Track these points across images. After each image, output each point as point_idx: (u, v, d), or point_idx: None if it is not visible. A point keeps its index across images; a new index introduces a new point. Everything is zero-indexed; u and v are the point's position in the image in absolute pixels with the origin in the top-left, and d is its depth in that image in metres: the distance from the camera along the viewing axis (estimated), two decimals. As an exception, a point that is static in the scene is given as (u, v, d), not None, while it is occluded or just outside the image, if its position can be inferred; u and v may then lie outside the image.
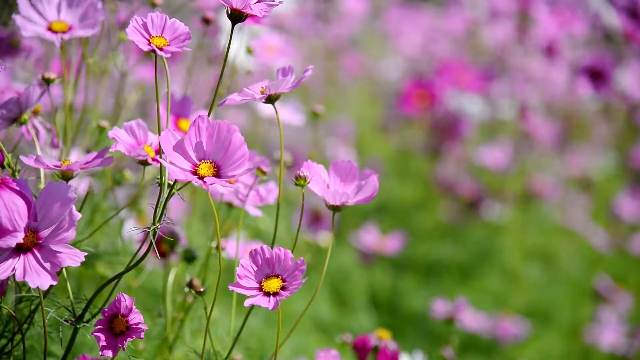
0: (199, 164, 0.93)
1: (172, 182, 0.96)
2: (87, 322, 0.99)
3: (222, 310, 1.61)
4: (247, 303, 0.94)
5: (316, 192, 1.01)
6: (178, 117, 1.24)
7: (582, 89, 2.91)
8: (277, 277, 0.96)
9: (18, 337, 1.01)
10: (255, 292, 0.95)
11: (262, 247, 0.97)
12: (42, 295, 0.94)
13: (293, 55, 1.88)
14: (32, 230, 0.90)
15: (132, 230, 1.42)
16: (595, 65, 2.84)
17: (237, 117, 2.68)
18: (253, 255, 0.97)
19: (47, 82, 1.11)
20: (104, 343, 0.95)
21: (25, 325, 1.02)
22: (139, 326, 0.95)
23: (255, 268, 0.97)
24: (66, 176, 0.99)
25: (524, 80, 3.27)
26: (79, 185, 1.43)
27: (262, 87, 1.00)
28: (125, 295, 0.95)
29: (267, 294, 0.95)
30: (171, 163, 0.92)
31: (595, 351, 2.37)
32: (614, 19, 2.92)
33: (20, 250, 0.89)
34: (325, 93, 3.62)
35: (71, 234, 0.89)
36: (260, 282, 0.96)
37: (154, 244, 0.94)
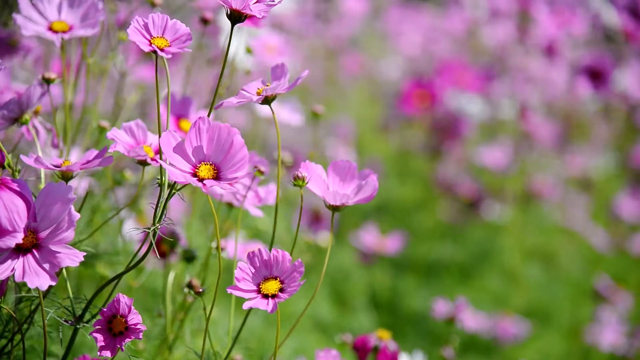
0: (199, 166, 0.93)
1: (172, 183, 0.96)
2: (87, 322, 0.99)
3: (222, 310, 1.61)
4: (246, 306, 0.94)
5: (316, 193, 1.01)
6: (179, 117, 1.24)
7: (582, 89, 2.91)
8: (275, 279, 0.96)
9: (18, 337, 1.01)
10: (253, 295, 0.95)
11: (259, 249, 0.97)
12: (41, 295, 0.94)
13: (293, 55, 1.88)
14: (31, 231, 0.90)
15: (132, 230, 1.42)
16: (595, 65, 2.84)
17: (237, 117, 2.68)
18: (251, 257, 0.97)
19: (47, 82, 1.12)
20: (103, 343, 0.95)
21: (25, 326, 1.02)
22: (138, 326, 0.95)
23: (253, 270, 0.97)
24: (66, 176, 0.99)
25: (524, 80, 3.27)
26: (79, 185, 1.43)
27: (259, 89, 1.00)
28: (124, 295, 0.95)
29: (266, 296, 0.95)
30: (171, 165, 0.92)
31: (595, 351, 2.37)
32: (614, 19, 2.92)
33: (19, 250, 0.89)
34: (325, 93, 3.62)
35: (70, 234, 0.89)
36: (258, 285, 0.96)
37: (153, 245, 0.94)
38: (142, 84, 1.79)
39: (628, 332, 2.34)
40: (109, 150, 0.99)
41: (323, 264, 1.01)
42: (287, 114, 1.70)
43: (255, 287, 0.96)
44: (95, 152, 1.00)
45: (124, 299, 0.95)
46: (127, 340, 0.95)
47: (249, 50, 1.55)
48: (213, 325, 1.34)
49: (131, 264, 0.99)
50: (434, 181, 3.22)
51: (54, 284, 0.87)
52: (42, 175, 1.04)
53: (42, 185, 1.03)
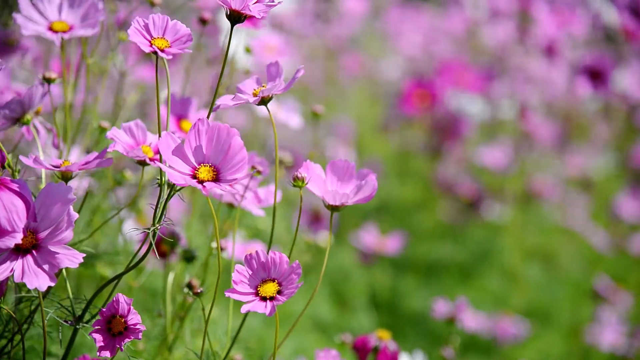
0: (198, 167, 0.93)
1: (171, 183, 0.96)
2: (87, 322, 0.99)
3: (223, 310, 1.61)
4: (244, 310, 0.93)
5: (315, 193, 1.01)
6: (180, 118, 1.24)
7: (582, 89, 2.91)
8: (273, 281, 0.96)
9: (18, 337, 1.01)
10: (251, 297, 0.95)
11: (257, 251, 0.96)
12: (41, 296, 0.94)
13: (293, 55, 1.88)
14: (31, 231, 0.90)
15: (132, 231, 1.42)
16: (595, 65, 2.84)
17: (237, 117, 2.68)
18: (248, 259, 0.96)
19: (48, 81, 1.12)
20: (102, 343, 0.95)
21: (25, 326, 1.02)
22: (137, 327, 0.95)
23: (251, 272, 0.96)
24: (66, 176, 0.99)
25: (524, 80, 3.27)
26: (80, 185, 1.43)
27: (255, 89, 0.99)
28: (123, 295, 0.95)
29: (264, 298, 0.95)
30: (170, 167, 0.91)
31: (595, 351, 2.37)
32: (614, 19, 2.92)
33: (18, 251, 0.89)
34: (325, 93, 3.62)
35: (69, 235, 0.89)
36: (256, 287, 0.96)
37: (153, 245, 0.94)
38: (142, 84, 1.79)
39: (628, 332, 2.34)
40: (108, 150, 0.99)
41: (323, 264, 1.01)
42: (285, 115, 1.69)
43: (253, 290, 0.96)
44: (95, 154, 1.00)
45: (123, 299, 0.95)
46: (127, 340, 0.95)
47: (248, 50, 1.55)
48: (213, 325, 1.34)
49: (131, 265, 0.99)
50: (434, 181, 3.22)
51: (53, 284, 0.87)
52: (43, 176, 1.04)
53: (43, 186, 1.03)
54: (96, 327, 0.95)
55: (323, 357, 1.15)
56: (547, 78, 3.28)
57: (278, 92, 0.99)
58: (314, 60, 3.57)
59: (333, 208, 1.01)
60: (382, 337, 1.33)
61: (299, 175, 0.99)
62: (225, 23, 1.63)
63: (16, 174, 1.00)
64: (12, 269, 0.88)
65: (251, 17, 0.98)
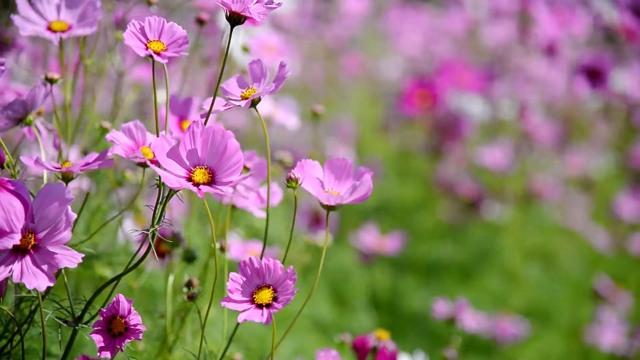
0: (193, 170, 0.92)
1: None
2: (86, 323, 0.99)
3: (222, 310, 1.61)
4: (241, 319, 0.93)
5: (311, 192, 1.01)
6: (181, 118, 1.23)
7: (580, 88, 2.91)
8: (269, 287, 0.95)
9: (18, 337, 1.01)
10: (247, 306, 0.94)
11: (250, 258, 0.95)
12: (40, 296, 0.94)
13: (292, 55, 1.88)
14: (29, 232, 0.90)
15: (132, 231, 1.42)
16: (594, 64, 2.84)
17: (237, 118, 2.68)
18: (242, 266, 0.96)
19: (50, 82, 1.11)
20: (102, 344, 0.95)
21: (24, 326, 1.02)
22: (138, 327, 0.95)
23: (245, 279, 0.95)
24: (66, 177, 0.99)
25: (524, 80, 3.27)
26: (80, 186, 1.43)
27: (244, 92, 0.99)
28: (123, 296, 0.95)
29: (260, 306, 0.94)
30: (165, 170, 0.91)
31: (595, 351, 2.37)
32: (614, 18, 2.91)
33: (17, 251, 0.89)
34: (325, 93, 3.62)
35: (67, 235, 0.89)
36: (251, 294, 0.95)
37: (152, 247, 0.93)
38: (140, 84, 1.79)
39: (628, 332, 2.34)
40: (108, 154, 0.99)
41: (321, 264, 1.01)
42: (283, 116, 1.69)
43: (248, 298, 0.95)
44: (95, 155, 1.00)
45: (123, 300, 0.95)
46: (127, 341, 0.95)
47: (245, 49, 1.54)
48: (212, 325, 1.34)
49: (130, 265, 0.99)
50: (434, 181, 3.22)
51: (52, 285, 0.87)
52: (45, 176, 1.04)
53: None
54: (96, 328, 0.95)
55: (323, 357, 1.15)
56: (547, 78, 3.28)
57: (266, 94, 0.98)
58: (314, 60, 3.57)
59: (329, 207, 1.00)
60: (381, 337, 1.33)
61: (293, 176, 0.99)
62: (225, 22, 1.63)
63: (16, 174, 1.00)
64: (11, 269, 0.88)
65: (250, 18, 0.97)
